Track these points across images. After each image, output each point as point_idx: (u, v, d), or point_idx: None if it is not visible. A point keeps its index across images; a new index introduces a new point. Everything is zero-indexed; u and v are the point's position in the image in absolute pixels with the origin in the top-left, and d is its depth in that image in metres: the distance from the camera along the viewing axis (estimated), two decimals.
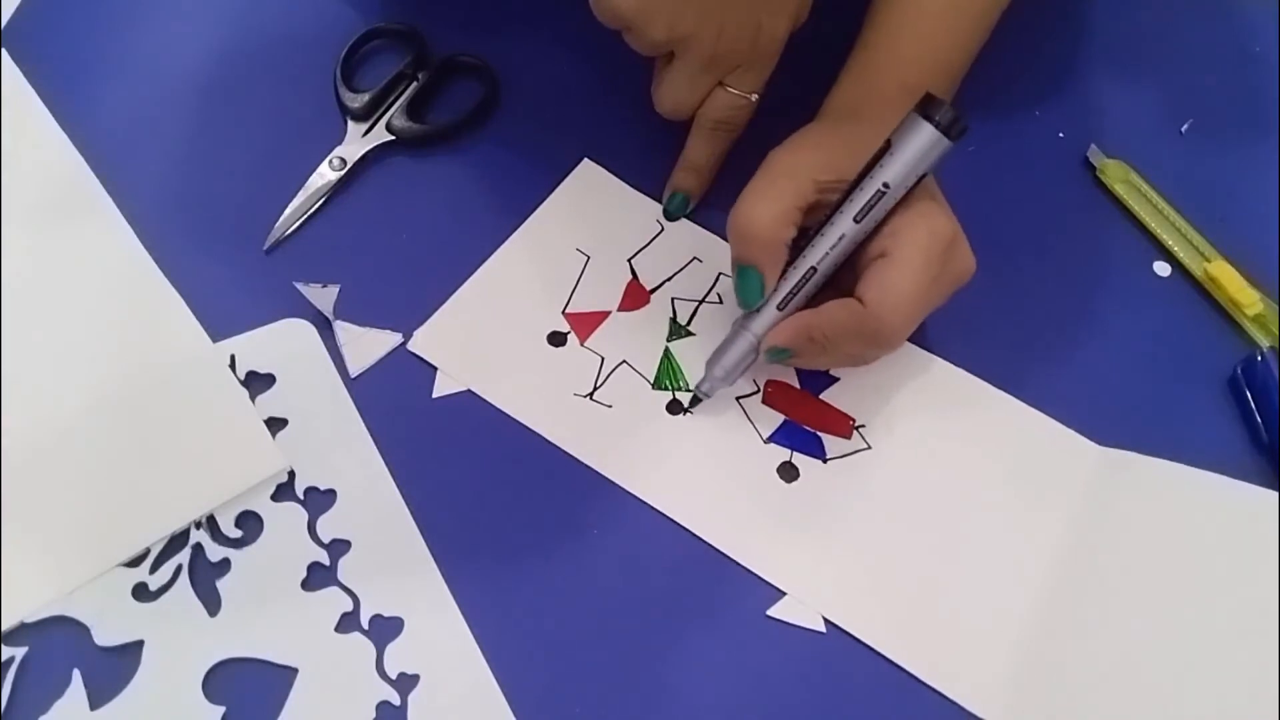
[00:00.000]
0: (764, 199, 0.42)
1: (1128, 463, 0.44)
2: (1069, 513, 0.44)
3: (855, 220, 0.40)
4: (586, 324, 0.47)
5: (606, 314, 0.48)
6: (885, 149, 0.40)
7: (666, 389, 0.46)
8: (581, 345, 0.47)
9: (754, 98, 0.47)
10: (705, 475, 0.44)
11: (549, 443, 0.44)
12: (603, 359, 0.46)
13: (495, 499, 0.43)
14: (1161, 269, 0.50)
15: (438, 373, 0.46)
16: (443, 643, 0.40)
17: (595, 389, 0.46)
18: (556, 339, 0.47)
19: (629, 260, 0.49)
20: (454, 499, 0.43)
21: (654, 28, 0.43)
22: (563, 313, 0.47)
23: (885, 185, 0.39)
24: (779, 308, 0.42)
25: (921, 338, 0.47)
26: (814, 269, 0.41)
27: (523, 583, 0.42)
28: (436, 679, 0.39)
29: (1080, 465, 0.45)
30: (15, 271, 0.46)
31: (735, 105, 0.47)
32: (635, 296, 0.48)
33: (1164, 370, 0.48)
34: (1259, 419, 0.46)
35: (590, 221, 0.50)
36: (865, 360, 0.44)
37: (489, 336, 0.47)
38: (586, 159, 0.52)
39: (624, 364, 0.46)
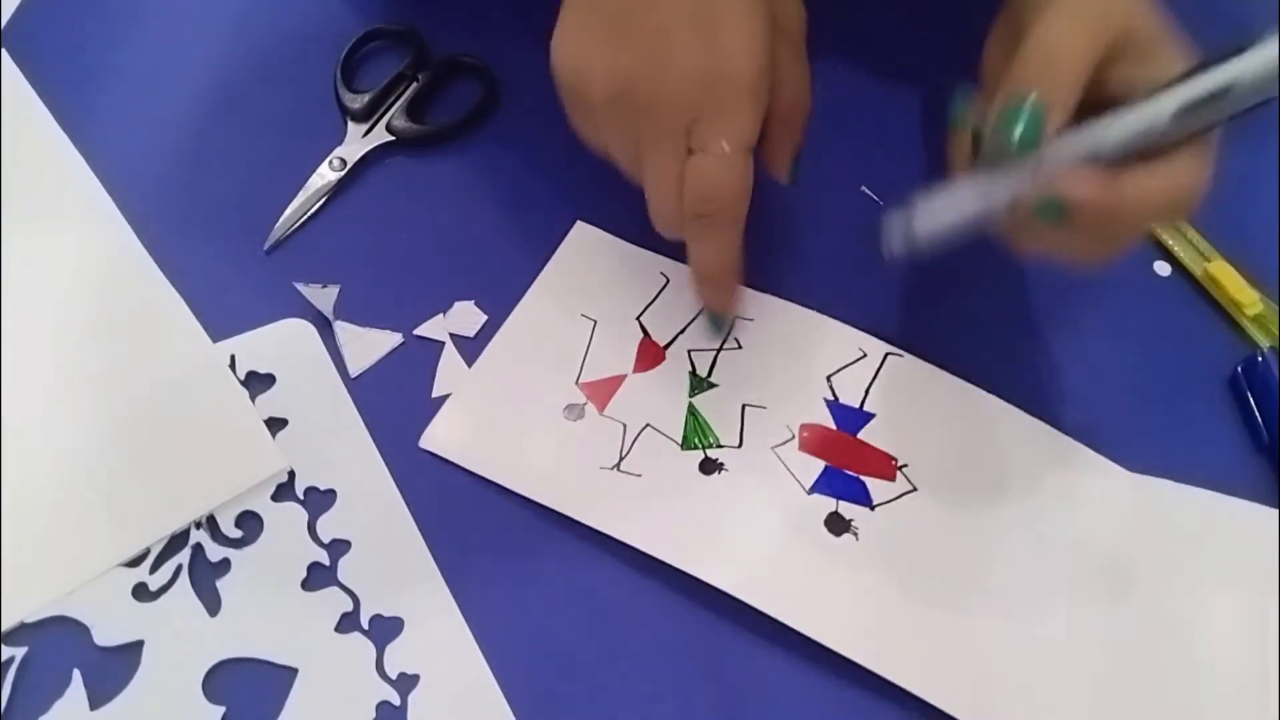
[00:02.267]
0: (1071, 27, 0.35)
1: (1160, 491, 0.43)
2: (1108, 545, 0.42)
3: (1174, 116, 0.33)
4: (603, 391, 0.45)
5: (622, 378, 0.45)
6: (1236, 50, 0.33)
7: (697, 447, 0.43)
8: (601, 414, 0.44)
9: (728, 151, 0.37)
10: (749, 537, 0.41)
11: None
12: (625, 426, 0.44)
13: (495, 499, 0.43)
14: (1161, 269, 0.50)
15: (438, 373, 0.45)
16: (443, 643, 0.40)
17: (621, 459, 0.43)
18: (574, 412, 0.44)
19: (638, 318, 0.46)
20: (454, 499, 0.43)
21: (594, 82, 0.38)
22: (576, 383, 0.45)
23: (1226, 89, 0.33)
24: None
25: (922, 341, 0.47)
26: (1097, 156, 0.34)
27: (523, 582, 0.42)
28: (436, 679, 0.39)
29: (1115, 495, 0.43)
30: (15, 271, 0.46)
31: (712, 173, 0.37)
32: (649, 355, 0.46)
33: (1164, 370, 0.48)
34: (1259, 419, 0.46)
35: (591, 284, 0.47)
36: (1102, 256, 0.36)
37: (502, 421, 0.44)
38: (580, 221, 0.49)
39: (648, 428, 0.44)
